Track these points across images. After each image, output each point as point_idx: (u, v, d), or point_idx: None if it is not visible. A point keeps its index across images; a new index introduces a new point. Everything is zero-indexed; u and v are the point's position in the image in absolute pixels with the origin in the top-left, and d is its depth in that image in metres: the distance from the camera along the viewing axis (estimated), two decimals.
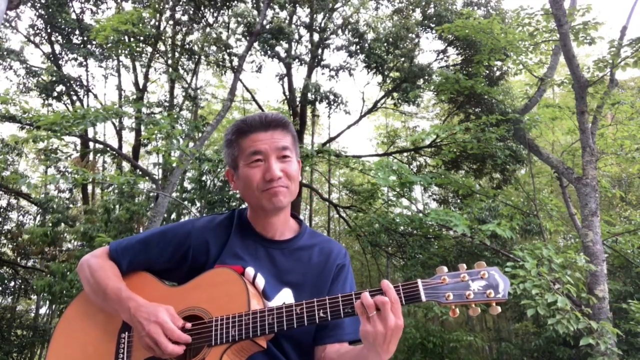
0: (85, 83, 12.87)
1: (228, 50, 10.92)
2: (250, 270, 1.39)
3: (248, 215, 1.50)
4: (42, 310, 15.09)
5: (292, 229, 1.52)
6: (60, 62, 12.21)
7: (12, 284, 13.83)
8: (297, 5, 10.99)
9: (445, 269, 1.25)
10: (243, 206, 1.58)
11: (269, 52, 10.56)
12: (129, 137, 14.53)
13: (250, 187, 1.40)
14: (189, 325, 1.28)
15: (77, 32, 11.77)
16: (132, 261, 1.45)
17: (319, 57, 11.40)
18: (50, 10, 11.17)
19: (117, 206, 9.79)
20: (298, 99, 11.87)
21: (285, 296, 1.40)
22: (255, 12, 10.45)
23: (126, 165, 13.21)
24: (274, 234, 1.47)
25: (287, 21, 10.97)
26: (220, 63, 11.53)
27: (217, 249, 1.43)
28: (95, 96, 13.34)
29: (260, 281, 1.39)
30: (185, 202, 10.00)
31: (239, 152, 1.43)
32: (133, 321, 1.30)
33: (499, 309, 1.20)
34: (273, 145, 1.40)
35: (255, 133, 1.41)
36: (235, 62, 10.74)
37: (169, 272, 1.46)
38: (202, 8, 10.86)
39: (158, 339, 1.23)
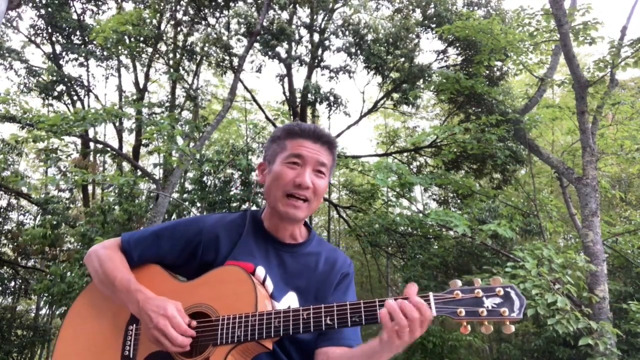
0: (85, 83, 12.87)
1: (229, 51, 10.91)
2: (260, 270, 1.40)
3: (263, 215, 1.52)
4: (43, 311, 15.08)
5: (302, 234, 1.54)
6: (60, 62, 12.20)
7: (12, 284, 13.82)
8: (297, 5, 10.98)
9: (459, 282, 1.22)
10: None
11: (269, 52, 10.55)
12: (129, 137, 14.53)
13: (277, 185, 1.42)
14: (194, 323, 1.29)
15: (77, 32, 11.76)
16: (143, 254, 1.45)
17: (319, 57, 11.39)
18: (51, 10, 11.16)
19: (117, 207, 9.78)
20: (298, 100, 11.86)
21: (290, 299, 1.41)
22: (255, 13, 10.45)
23: (126, 166, 13.20)
24: (285, 237, 1.49)
25: (287, 22, 10.96)
26: (221, 63, 11.53)
27: (228, 246, 1.43)
28: (96, 96, 13.33)
29: (269, 282, 1.39)
30: (186, 203, 10.00)
31: (281, 150, 1.46)
32: (141, 313, 1.30)
33: (513, 328, 1.15)
34: (315, 156, 1.43)
35: (305, 139, 1.45)
36: (236, 62, 10.74)
37: (179, 267, 1.47)
38: (203, 8, 10.85)
39: (167, 330, 1.24)
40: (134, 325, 1.37)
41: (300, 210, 1.41)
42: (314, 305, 1.28)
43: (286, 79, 11.73)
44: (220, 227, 1.46)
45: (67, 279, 7.83)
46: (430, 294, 1.20)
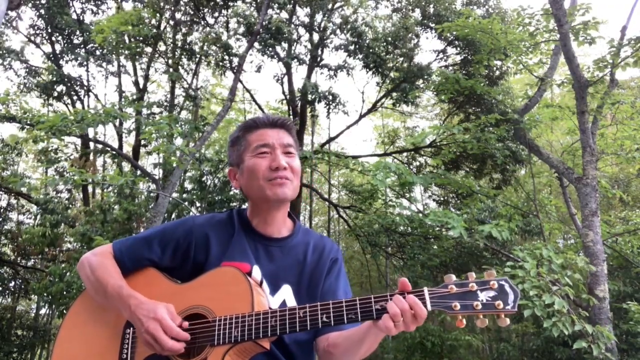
0: (85, 83, 12.87)
1: (228, 50, 10.91)
2: (257, 271, 1.41)
3: (248, 213, 1.53)
4: (42, 311, 15.09)
5: (288, 227, 1.55)
6: (60, 62, 12.20)
7: (12, 284, 13.82)
8: (296, 5, 10.98)
9: (453, 277, 1.23)
10: (245, 206, 1.60)
11: (268, 52, 10.55)
12: (129, 137, 14.51)
13: (255, 177, 1.44)
14: (185, 324, 1.29)
15: (77, 32, 11.75)
16: (136, 260, 1.46)
17: (319, 56, 11.39)
18: (51, 10, 11.15)
19: (116, 206, 9.78)
20: (297, 99, 11.86)
21: (285, 293, 1.42)
22: (255, 13, 10.44)
23: (126, 166, 13.20)
24: (272, 232, 1.50)
25: (286, 21, 10.95)
26: (220, 63, 11.52)
27: (218, 246, 1.44)
28: (96, 96, 13.33)
29: (266, 282, 1.40)
30: (185, 203, 10.00)
31: (245, 147, 1.49)
32: (133, 318, 1.30)
33: (508, 320, 1.17)
34: (279, 140, 1.47)
35: (263, 129, 1.49)
36: (235, 62, 10.74)
37: (174, 269, 1.47)
38: (202, 8, 10.85)
39: (156, 334, 1.23)
40: (131, 328, 1.37)
41: (287, 188, 1.43)
42: (308, 296, 1.28)
43: (285, 78, 11.73)
44: (210, 227, 1.47)
45: (66, 278, 7.84)
46: (425, 289, 1.21)
